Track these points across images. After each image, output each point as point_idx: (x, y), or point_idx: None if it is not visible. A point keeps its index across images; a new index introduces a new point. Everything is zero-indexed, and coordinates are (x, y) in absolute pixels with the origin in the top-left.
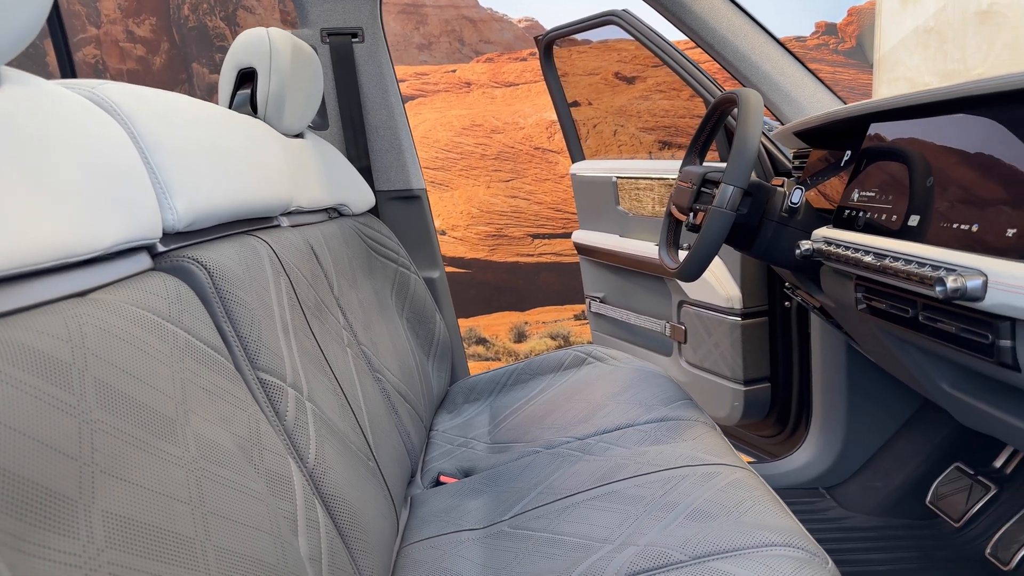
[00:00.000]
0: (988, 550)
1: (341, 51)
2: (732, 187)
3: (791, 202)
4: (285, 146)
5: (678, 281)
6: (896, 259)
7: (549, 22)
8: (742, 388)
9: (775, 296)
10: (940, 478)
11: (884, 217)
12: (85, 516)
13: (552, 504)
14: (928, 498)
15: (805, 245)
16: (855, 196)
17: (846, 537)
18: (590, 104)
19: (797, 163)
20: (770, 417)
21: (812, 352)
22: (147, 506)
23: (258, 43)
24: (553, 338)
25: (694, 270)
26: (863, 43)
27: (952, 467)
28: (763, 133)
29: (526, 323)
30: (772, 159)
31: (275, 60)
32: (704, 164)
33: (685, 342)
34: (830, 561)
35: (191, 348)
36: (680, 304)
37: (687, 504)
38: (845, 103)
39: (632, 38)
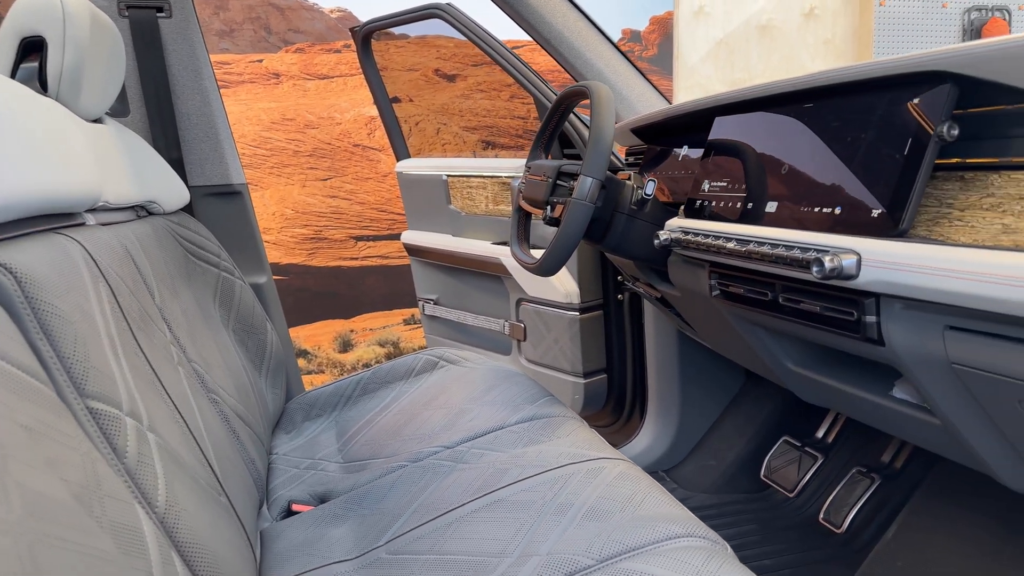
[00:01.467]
0: (821, 515)
1: (144, 27)
2: (591, 179)
3: (645, 194)
4: (86, 132)
5: (516, 279)
6: (762, 244)
7: (363, 13)
8: (582, 381)
9: (608, 290)
10: (771, 452)
11: (739, 205)
12: None
13: (432, 522)
14: (762, 472)
15: (663, 235)
16: (706, 187)
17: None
18: (411, 101)
19: (632, 159)
20: (607, 406)
21: (646, 342)
22: None
23: (48, 8)
24: (382, 345)
25: (555, 264)
26: (663, 51)
27: (781, 441)
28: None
29: (352, 331)
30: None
31: (70, 28)
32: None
33: (525, 339)
34: (728, 546)
35: (0, 375)
36: (519, 302)
37: (581, 504)
38: (670, 102)
39: (454, 33)
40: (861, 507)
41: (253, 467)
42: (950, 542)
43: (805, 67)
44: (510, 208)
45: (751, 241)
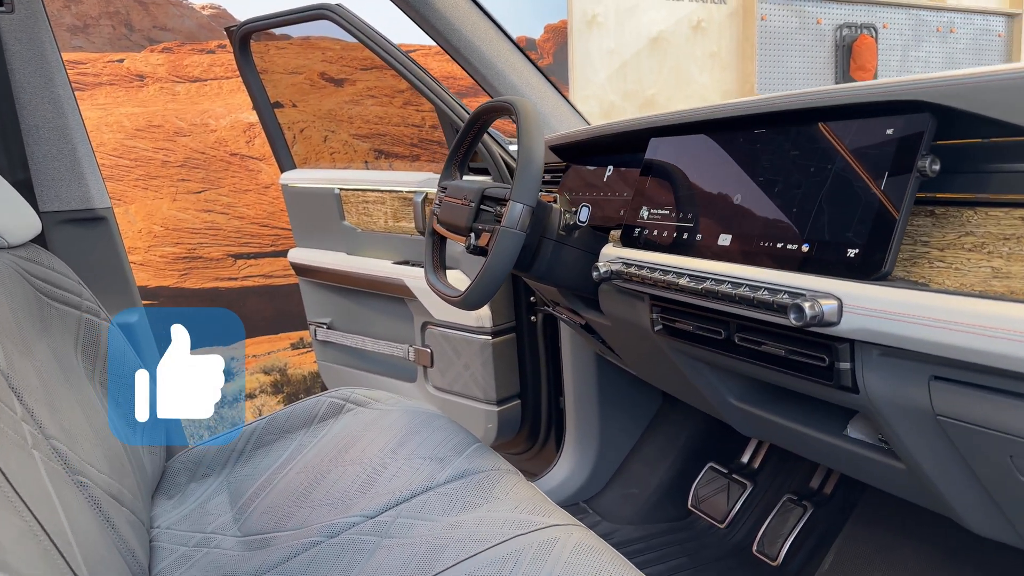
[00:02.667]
0: (755, 547)
1: None
2: (522, 205)
3: (579, 220)
4: None
5: (422, 301)
6: (721, 282)
7: (239, 11)
8: (495, 409)
9: (521, 311)
10: (698, 480)
11: (686, 236)
12: None
13: None
14: (690, 501)
15: (602, 267)
16: (644, 214)
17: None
18: (295, 106)
19: (548, 177)
20: (521, 434)
21: (563, 366)
22: None
23: None
24: (267, 372)
25: (482, 297)
26: (559, 60)
27: (707, 468)
28: (501, 146)
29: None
30: (511, 171)
31: None
32: (474, 179)
33: (432, 366)
34: None
35: None
36: (424, 326)
37: None
38: (587, 121)
39: (342, 35)
40: (795, 537)
41: (134, 560)
42: (888, 570)
43: (694, 79)
44: (412, 225)
45: (707, 278)
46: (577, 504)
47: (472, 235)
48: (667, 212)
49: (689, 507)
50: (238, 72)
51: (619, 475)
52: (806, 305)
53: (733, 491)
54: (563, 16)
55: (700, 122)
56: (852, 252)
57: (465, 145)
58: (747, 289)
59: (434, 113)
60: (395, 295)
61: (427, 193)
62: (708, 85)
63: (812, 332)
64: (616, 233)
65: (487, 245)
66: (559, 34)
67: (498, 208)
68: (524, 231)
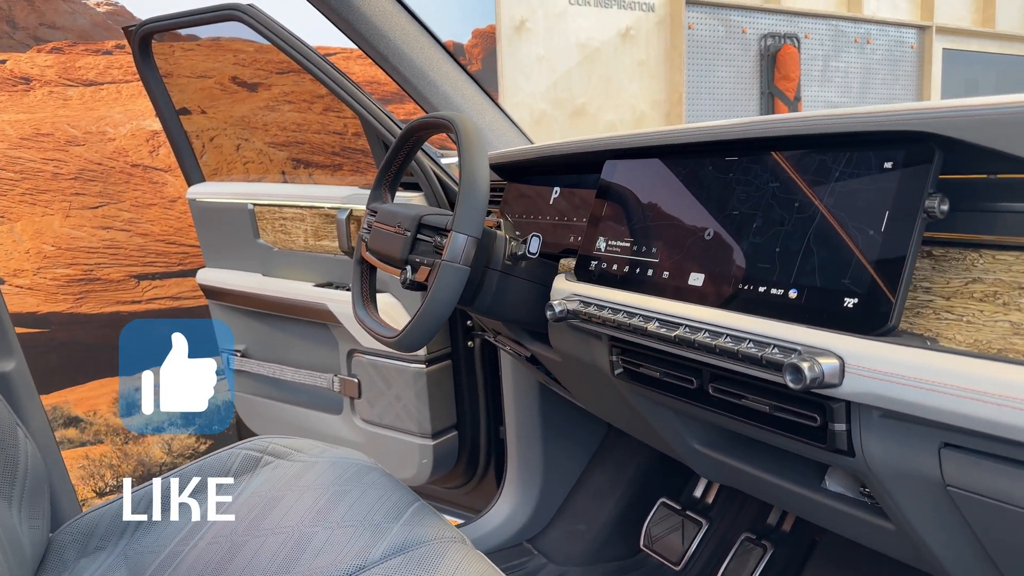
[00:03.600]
0: None
1: None
2: (466, 237)
3: (528, 252)
4: None
5: (347, 327)
6: (697, 330)
7: (138, 8)
8: (431, 443)
9: (457, 336)
10: (650, 517)
11: (651, 274)
12: None
13: None
14: (642, 541)
15: (557, 306)
16: (601, 245)
17: None
18: (204, 113)
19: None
20: (458, 467)
21: (504, 396)
22: None
23: None
24: None
25: (422, 338)
26: (488, 66)
27: (659, 504)
28: (434, 160)
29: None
30: (445, 189)
31: None
32: (407, 202)
33: (359, 397)
34: None
35: None
36: (351, 354)
37: None
38: (528, 137)
39: (256, 36)
40: None
41: None
42: None
43: (624, 88)
44: (335, 244)
45: (679, 324)
46: (521, 544)
47: (408, 268)
48: (627, 244)
49: (641, 547)
50: (138, 75)
51: (564, 511)
52: (804, 366)
53: (688, 529)
54: (491, 21)
55: (664, 146)
56: (850, 302)
57: (396, 164)
58: (729, 340)
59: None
60: (317, 320)
61: (352, 210)
62: (637, 94)
63: (779, 381)
64: (568, 263)
65: (426, 280)
66: (488, 39)
67: (437, 238)
68: (468, 265)
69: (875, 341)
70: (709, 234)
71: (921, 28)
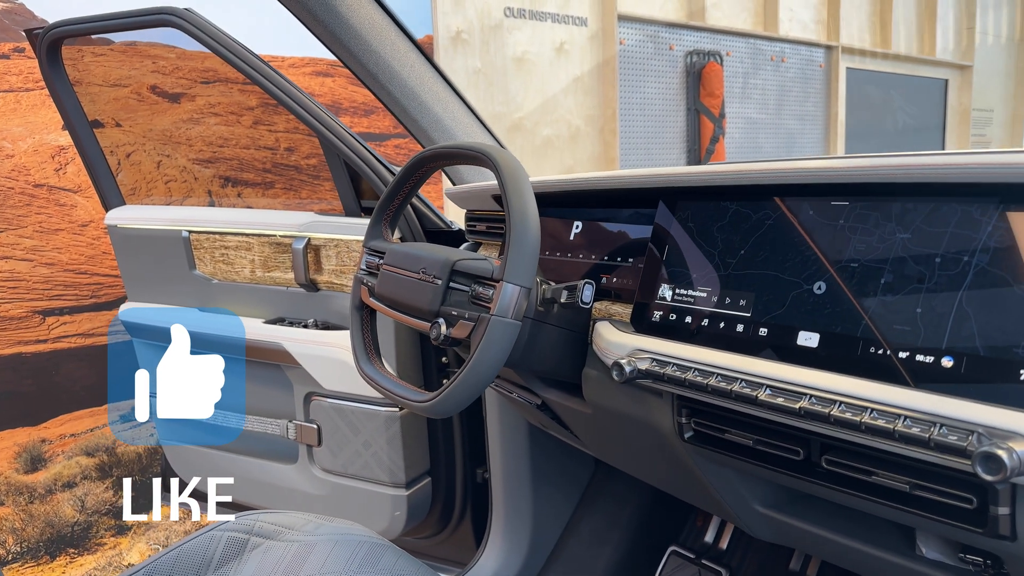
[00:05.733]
0: None
1: None
2: (518, 288)
3: (582, 301)
4: None
5: (306, 368)
6: (830, 403)
7: (43, 8)
8: (404, 493)
9: (431, 373)
10: (661, 568)
11: (743, 329)
12: None
13: None
14: None
15: (626, 365)
16: (667, 293)
17: None
18: (119, 126)
19: (485, 227)
20: (431, 516)
21: (488, 436)
22: None
23: None
24: (90, 455)
25: (462, 403)
26: None
27: (669, 553)
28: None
29: (44, 440)
30: (421, 220)
31: None
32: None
33: (319, 445)
34: None
35: None
36: (309, 397)
37: None
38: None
39: (178, 42)
40: None
41: None
42: None
43: (560, 103)
44: (287, 276)
45: (803, 394)
46: None
47: (442, 322)
48: (704, 294)
49: None
50: (43, 83)
51: (556, 559)
52: (1002, 455)
53: None
54: (429, 31)
55: (750, 186)
56: None
57: (401, 197)
58: (878, 417)
59: (290, 134)
60: (268, 360)
61: (310, 238)
62: (573, 109)
63: (947, 465)
64: (605, 307)
65: (468, 337)
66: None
67: (476, 288)
68: (520, 320)
69: None
70: (820, 288)
71: (828, 48)
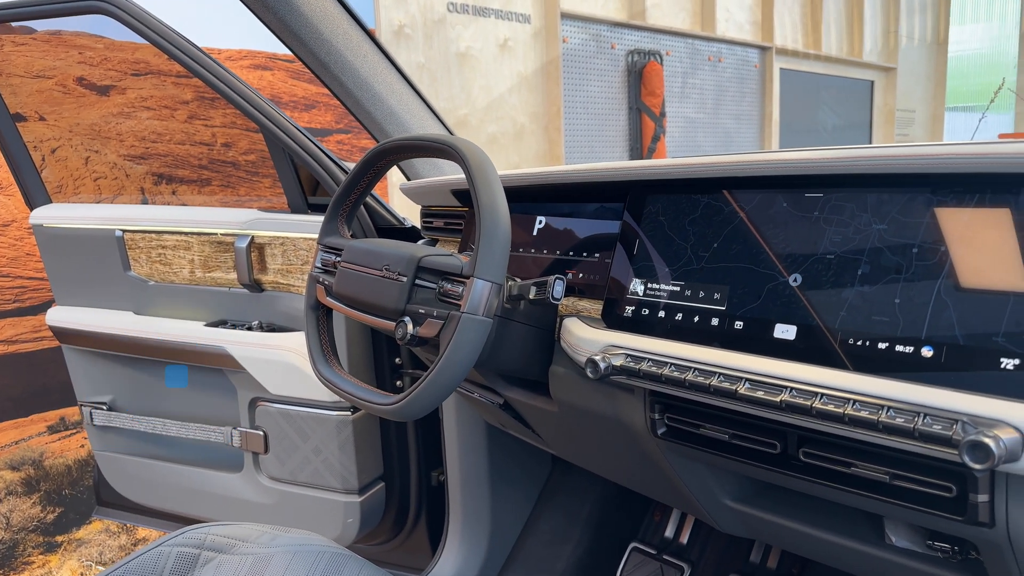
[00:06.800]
0: None
1: None
2: (489, 284)
3: (553, 297)
4: None
5: (251, 372)
6: (812, 395)
7: None
8: (358, 499)
9: (384, 373)
10: (622, 566)
11: (719, 323)
12: None
13: None
14: None
15: (600, 361)
16: (639, 288)
17: None
18: (43, 120)
19: (442, 223)
20: (385, 521)
21: (445, 437)
22: None
23: None
24: (15, 468)
25: (431, 405)
26: None
27: (630, 550)
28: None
29: None
30: (372, 214)
31: None
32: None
33: (266, 452)
34: None
35: None
36: (254, 403)
37: None
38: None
39: (107, 32)
40: None
41: None
42: None
43: (504, 100)
44: (230, 276)
45: (786, 387)
46: None
47: (407, 320)
48: (677, 288)
49: None
50: None
51: (515, 560)
52: (988, 442)
53: None
54: (372, 25)
55: (722, 178)
56: (1009, 363)
57: (357, 192)
58: (861, 408)
59: (227, 129)
60: (209, 365)
61: (253, 236)
62: (518, 106)
63: (930, 455)
64: (573, 304)
65: (437, 336)
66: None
67: (444, 284)
68: (491, 317)
69: None
70: (796, 280)
71: (763, 48)
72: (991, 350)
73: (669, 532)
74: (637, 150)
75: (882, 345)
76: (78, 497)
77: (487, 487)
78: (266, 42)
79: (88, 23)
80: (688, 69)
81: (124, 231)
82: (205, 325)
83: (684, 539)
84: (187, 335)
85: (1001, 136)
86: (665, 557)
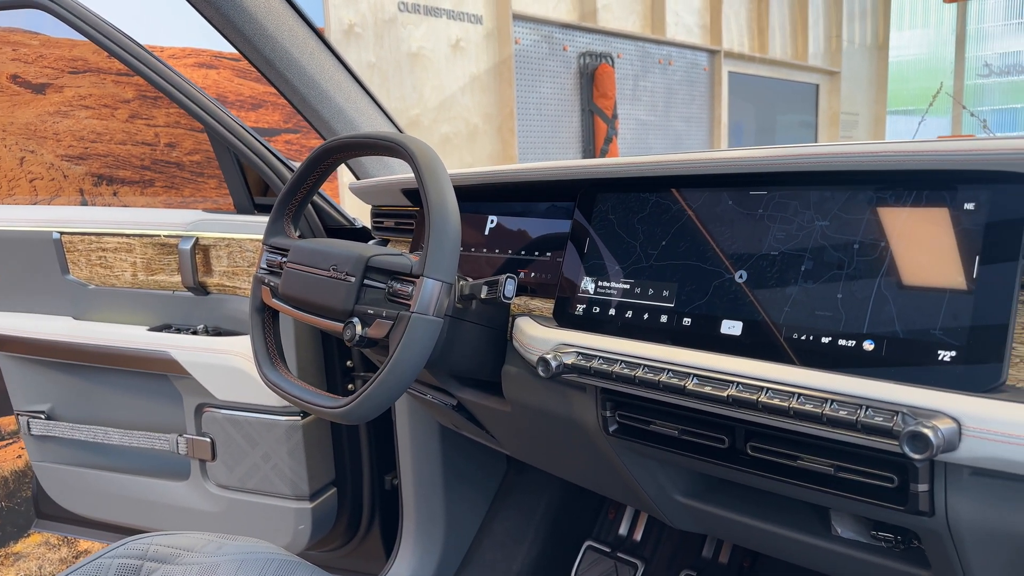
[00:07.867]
0: None
1: None
2: (440, 283)
3: (504, 296)
4: None
5: (196, 378)
6: (757, 389)
7: None
8: (309, 505)
9: (335, 378)
10: (577, 565)
11: (667, 320)
12: None
13: None
14: None
15: (551, 359)
16: (590, 286)
17: None
18: None
19: (393, 223)
20: (337, 527)
21: (398, 440)
22: None
23: None
24: None
25: (380, 407)
26: None
27: (585, 548)
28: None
29: None
30: (321, 214)
31: None
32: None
33: (213, 459)
34: None
35: None
36: (201, 409)
37: None
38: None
39: (42, 28)
40: None
41: None
42: None
43: (457, 101)
44: (173, 279)
45: (730, 381)
46: None
47: (356, 321)
48: (627, 286)
49: None
50: None
51: (470, 563)
52: (927, 432)
53: (623, 573)
54: (321, 24)
55: (663, 177)
56: (946, 355)
57: (304, 191)
58: (805, 401)
59: (171, 129)
60: (153, 371)
61: (197, 238)
62: (471, 107)
63: (873, 446)
64: (524, 303)
65: (386, 337)
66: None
67: (393, 284)
68: (442, 316)
69: (990, 400)
70: (741, 276)
71: (712, 52)
72: (929, 343)
73: (623, 530)
74: (590, 151)
75: (825, 339)
76: (15, 509)
77: (441, 490)
78: (211, 40)
79: (22, 18)
80: (639, 72)
81: (62, 233)
82: (148, 330)
83: (638, 536)
84: (129, 340)
85: (940, 138)
86: (619, 555)
